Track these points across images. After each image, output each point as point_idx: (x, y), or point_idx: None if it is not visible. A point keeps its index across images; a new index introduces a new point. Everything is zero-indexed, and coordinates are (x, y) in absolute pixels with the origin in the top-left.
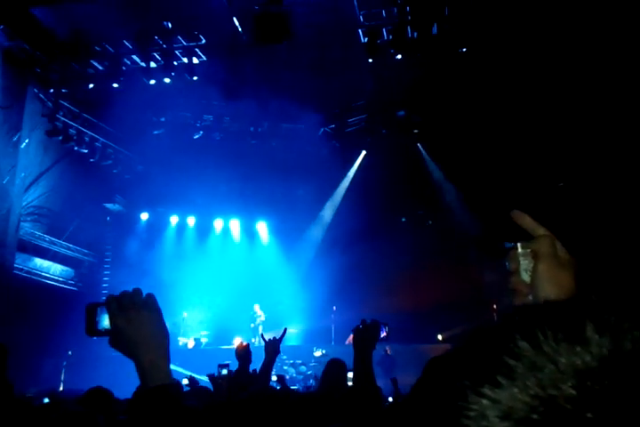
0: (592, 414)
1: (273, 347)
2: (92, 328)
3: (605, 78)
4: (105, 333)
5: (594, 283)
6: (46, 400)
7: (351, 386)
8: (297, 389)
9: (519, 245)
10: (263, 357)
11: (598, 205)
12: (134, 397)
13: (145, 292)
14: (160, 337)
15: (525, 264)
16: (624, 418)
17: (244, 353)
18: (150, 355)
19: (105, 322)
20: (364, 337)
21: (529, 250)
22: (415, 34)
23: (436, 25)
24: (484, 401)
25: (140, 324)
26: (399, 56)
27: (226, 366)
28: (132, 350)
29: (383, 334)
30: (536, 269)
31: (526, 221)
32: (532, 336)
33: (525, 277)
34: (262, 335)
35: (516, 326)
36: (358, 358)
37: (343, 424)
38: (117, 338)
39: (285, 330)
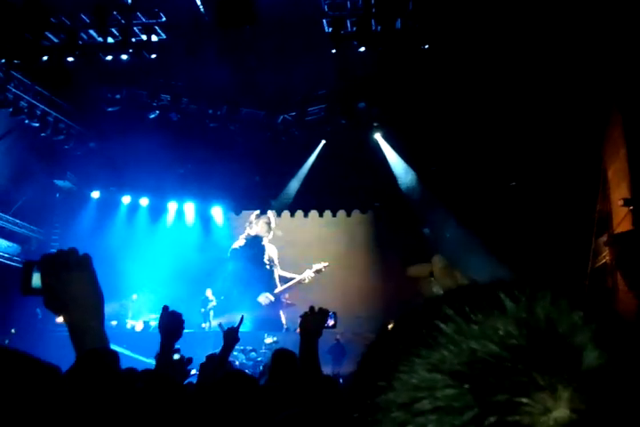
0: (510, 363)
1: (232, 335)
2: (27, 287)
3: (565, 78)
4: (38, 292)
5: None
6: None
7: (297, 372)
8: None
9: (431, 278)
10: (215, 342)
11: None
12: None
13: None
14: (92, 298)
15: (437, 289)
16: (537, 365)
17: (164, 323)
18: (81, 316)
19: (38, 281)
20: (311, 324)
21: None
22: (379, 27)
23: (399, 20)
24: (416, 359)
25: (70, 283)
26: (362, 48)
27: (176, 351)
28: (62, 310)
29: (331, 323)
30: (435, 278)
31: (417, 271)
32: (458, 306)
33: None
34: (220, 325)
35: (442, 300)
36: (304, 344)
37: (301, 410)
38: (49, 298)
39: (242, 318)
